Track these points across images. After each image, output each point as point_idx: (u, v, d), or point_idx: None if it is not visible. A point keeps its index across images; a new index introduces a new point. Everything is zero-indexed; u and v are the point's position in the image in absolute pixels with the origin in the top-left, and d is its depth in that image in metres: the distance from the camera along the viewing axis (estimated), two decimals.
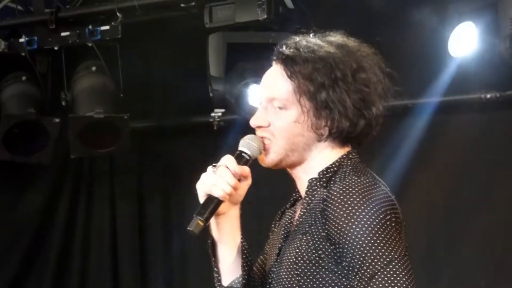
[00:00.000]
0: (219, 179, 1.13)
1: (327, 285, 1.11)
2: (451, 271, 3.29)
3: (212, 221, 1.17)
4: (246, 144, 1.19)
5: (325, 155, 1.19)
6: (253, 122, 1.22)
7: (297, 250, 1.14)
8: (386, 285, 1.04)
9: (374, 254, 1.05)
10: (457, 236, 3.42)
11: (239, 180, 1.16)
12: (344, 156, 1.19)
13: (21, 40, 3.45)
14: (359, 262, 1.05)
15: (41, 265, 3.96)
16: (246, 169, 1.18)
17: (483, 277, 3.33)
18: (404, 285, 1.04)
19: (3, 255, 4.02)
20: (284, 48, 1.19)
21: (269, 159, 1.19)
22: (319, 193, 1.14)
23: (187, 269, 3.84)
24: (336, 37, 1.22)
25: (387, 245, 1.07)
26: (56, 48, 3.46)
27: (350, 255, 1.06)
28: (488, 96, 3.27)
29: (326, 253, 1.10)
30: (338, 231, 1.07)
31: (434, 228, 3.38)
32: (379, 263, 1.05)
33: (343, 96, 1.13)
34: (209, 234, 1.21)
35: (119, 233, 3.93)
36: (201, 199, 1.15)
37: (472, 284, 3.37)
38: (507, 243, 3.36)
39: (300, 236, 1.14)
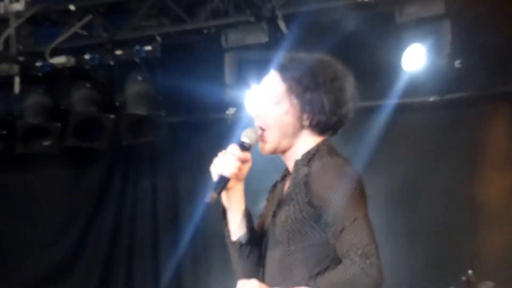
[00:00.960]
0: (227, 163, 1.43)
1: (308, 237, 1.40)
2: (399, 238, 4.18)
3: (223, 194, 1.47)
4: (247, 135, 1.49)
5: (307, 142, 1.50)
6: (253, 112, 1.56)
7: (287, 213, 1.43)
8: (352, 236, 1.31)
9: (344, 214, 1.34)
10: (408, 211, 4.27)
11: (242, 163, 1.45)
12: (321, 142, 1.50)
13: (86, 57, 4.44)
14: (332, 220, 1.35)
15: (99, 227, 5.01)
16: (247, 155, 1.47)
17: (425, 248, 4.19)
18: (366, 237, 1.31)
19: (67, 222, 5.07)
20: (281, 59, 1.58)
21: (267, 148, 1.51)
22: (302, 170, 1.45)
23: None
24: (318, 54, 1.57)
25: (353, 207, 1.35)
26: (112, 63, 4.49)
27: (326, 215, 1.36)
28: (431, 99, 4.16)
29: (308, 213, 1.39)
30: (317, 197, 1.38)
31: (390, 204, 4.18)
32: (347, 220, 1.33)
33: (322, 97, 1.46)
34: (221, 204, 1.52)
35: (159, 204, 5.00)
36: (215, 177, 1.45)
37: (415, 253, 4.18)
38: (448, 218, 4.22)
39: (289, 202, 1.45)
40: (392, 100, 4.10)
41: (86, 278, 5.06)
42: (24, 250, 5.01)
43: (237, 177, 1.46)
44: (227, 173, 1.43)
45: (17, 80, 4.53)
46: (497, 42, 3.94)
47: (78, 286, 5.09)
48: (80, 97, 4.55)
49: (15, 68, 4.46)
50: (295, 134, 1.50)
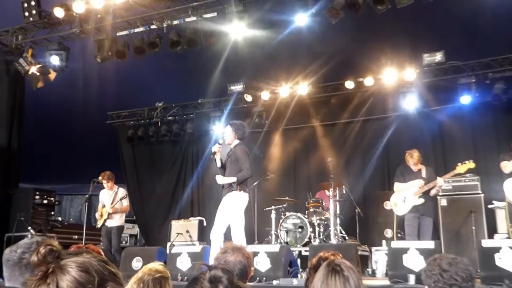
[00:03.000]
0: (215, 147, 6.85)
1: (235, 165, 6.69)
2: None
3: (216, 155, 6.88)
4: (218, 142, 6.99)
5: (236, 141, 6.81)
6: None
7: (228, 159, 6.75)
8: (245, 164, 6.63)
9: (243, 159, 6.60)
10: None
11: (219, 147, 6.80)
12: (240, 142, 6.73)
13: None
14: (240, 161, 6.63)
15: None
16: (219, 146, 6.89)
17: None
18: (248, 164, 6.69)
19: (157, 207, 9.95)
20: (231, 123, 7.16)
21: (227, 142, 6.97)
22: (233, 148, 6.87)
23: None
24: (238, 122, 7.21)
25: (246, 158, 6.66)
26: None
27: (239, 160, 6.62)
28: None
29: (234, 159, 6.67)
30: (236, 156, 6.62)
31: None
32: (244, 161, 6.59)
33: (243, 133, 6.97)
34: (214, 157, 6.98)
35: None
36: (213, 150, 6.89)
37: None
38: None
39: (229, 158, 6.74)
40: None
41: None
42: None
43: (218, 151, 6.85)
44: (215, 149, 6.84)
45: None
46: None
47: None
48: None
49: None
50: (233, 140, 6.89)
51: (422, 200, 7.13)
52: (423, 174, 7.32)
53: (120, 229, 8.90)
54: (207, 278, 1.59)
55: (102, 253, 3.43)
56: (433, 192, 7.18)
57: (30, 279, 1.33)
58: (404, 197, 7.28)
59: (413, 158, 7.36)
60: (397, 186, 7.48)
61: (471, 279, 2.57)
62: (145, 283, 2.83)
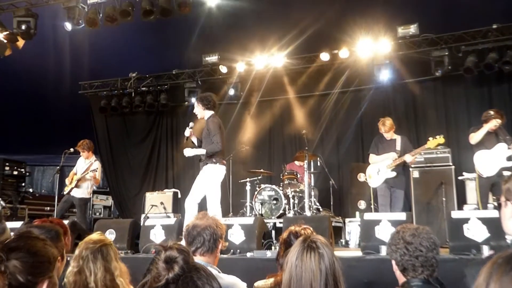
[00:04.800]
0: (187, 131, 6.75)
1: (208, 138, 6.62)
2: None
3: (193, 138, 6.89)
4: (190, 125, 6.82)
5: (208, 113, 6.81)
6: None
7: (202, 133, 6.70)
8: (216, 138, 6.50)
9: (215, 132, 6.51)
10: None
11: (191, 132, 6.74)
12: (212, 113, 6.77)
13: None
14: (212, 134, 6.52)
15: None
16: (190, 130, 6.78)
17: None
18: (220, 138, 6.54)
19: (131, 178, 10.67)
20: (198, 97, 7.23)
21: (200, 117, 6.97)
22: (206, 120, 6.80)
23: None
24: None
25: (217, 131, 6.54)
26: None
27: (211, 133, 6.53)
28: None
29: (207, 133, 6.59)
30: (208, 129, 6.62)
31: None
32: (215, 134, 6.51)
33: (209, 102, 6.85)
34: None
35: None
36: (185, 134, 6.83)
37: None
38: None
39: (202, 132, 6.71)
40: None
41: None
42: None
43: (190, 135, 6.83)
44: (187, 133, 6.81)
45: None
46: None
47: None
48: None
49: None
50: (204, 112, 6.82)
51: (394, 173, 7.24)
52: (398, 145, 7.38)
53: (84, 201, 8.63)
54: (162, 258, 1.57)
55: (67, 227, 3.37)
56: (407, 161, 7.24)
57: None
58: (378, 169, 7.38)
59: (384, 126, 7.40)
60: (371, 158, 7.56)
61: (435, 246, 2.61)
62: (84, 258, 2.79)
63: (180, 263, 1.55)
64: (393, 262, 2.66)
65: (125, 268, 2.93)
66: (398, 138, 7.47)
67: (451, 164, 8.42)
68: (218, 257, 3.18)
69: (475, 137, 6.90)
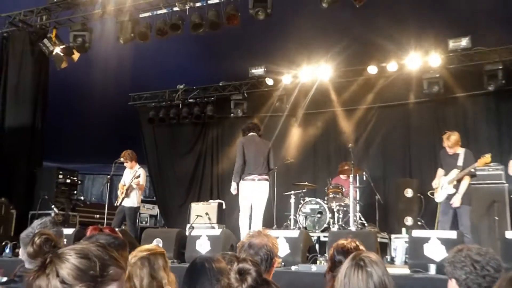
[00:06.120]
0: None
1: None
2: None
3: None
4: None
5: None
6: None
7: None
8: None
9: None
10: None
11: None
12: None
13: None
14: None
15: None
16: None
17: None
18: (237, 157, 7.33)
19: (177, 188, 10.38)
20: None
21: None
22: None
23: None
24: None
25: (237, 152, 7.19)
26: None
27: None
28: None
29: None
30: None
31: None
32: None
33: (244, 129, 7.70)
34: None
35: None
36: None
37: None
38: None
39: None
40: None
41: None
42: None
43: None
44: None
45: None
46: None
47: None
48: None
49: None
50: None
51: (454, 190, 6.92)
52: (460, 161, 6.96)
53: (133, 210, 8.72)
54: (235, 270, 1.58)
55: (120, 234, 3.45)
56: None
57: (28, 272, 1.29)
58: (442, 185, 7.09)
59: (448, 141, 6.99)
60: (438, 172, 7.25)
61: (501, 268, 2.51)
62: (132, 265, 2.86)
63: (253, 275, 1.57)
64: (453, 282, 2.54)
65: (173, 278, 2.98)
66: (461, 153, 7.03)
67: (504, 181, 8.10)
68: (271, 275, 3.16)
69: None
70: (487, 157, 6.76)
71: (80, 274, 1.23)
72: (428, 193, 7.86)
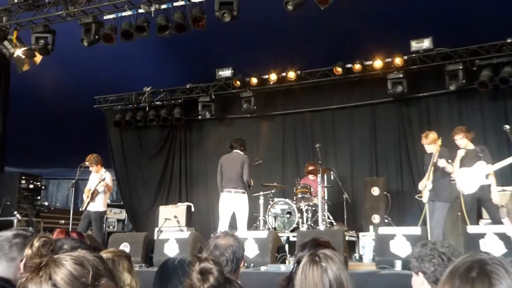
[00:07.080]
0: None
1: None
2: None
3: None
4: None
5: None
6: None
7: None
8: None
9: None
10: None
11: None
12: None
13: None
14: None
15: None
16: None
17: None
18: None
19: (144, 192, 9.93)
20: None
21: None
22: None
23: None
24: None
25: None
26: None
27: None
28: None
29: None
30: None
31: None
32: None
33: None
34: None
35: None
36: None
37: None
38: None
39: None
40: None
41: None
42: None
43: None
44: None
45: None
46: None
47: None
48: None
49: None
50: None
51: (430, 186, 7.06)
52: (435, 157, 7.06)
53: (98, 214, 8.56)
54: (197, 269, 1.58)
55: (87, 239, 3.40)
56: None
57: (24, 273, 1.30)
58: (425, 184, 7.18)
59: (426, 139, 7.18)
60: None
61: None
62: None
63: (215, 274, 1.56)
64: (420, 276, 2.58)
65: (138, 281, 2.94)
66: (438, 151, 7.12)
67: None
68: (238, 276, 3.15)
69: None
70: (438, 142, 7.05)
71: (72, 280, 1.24)
72: (416, 197, 8.00)
